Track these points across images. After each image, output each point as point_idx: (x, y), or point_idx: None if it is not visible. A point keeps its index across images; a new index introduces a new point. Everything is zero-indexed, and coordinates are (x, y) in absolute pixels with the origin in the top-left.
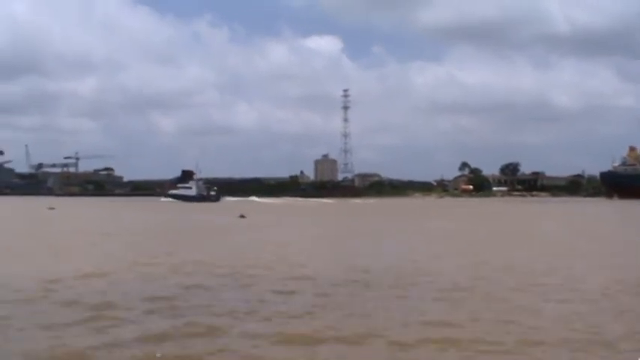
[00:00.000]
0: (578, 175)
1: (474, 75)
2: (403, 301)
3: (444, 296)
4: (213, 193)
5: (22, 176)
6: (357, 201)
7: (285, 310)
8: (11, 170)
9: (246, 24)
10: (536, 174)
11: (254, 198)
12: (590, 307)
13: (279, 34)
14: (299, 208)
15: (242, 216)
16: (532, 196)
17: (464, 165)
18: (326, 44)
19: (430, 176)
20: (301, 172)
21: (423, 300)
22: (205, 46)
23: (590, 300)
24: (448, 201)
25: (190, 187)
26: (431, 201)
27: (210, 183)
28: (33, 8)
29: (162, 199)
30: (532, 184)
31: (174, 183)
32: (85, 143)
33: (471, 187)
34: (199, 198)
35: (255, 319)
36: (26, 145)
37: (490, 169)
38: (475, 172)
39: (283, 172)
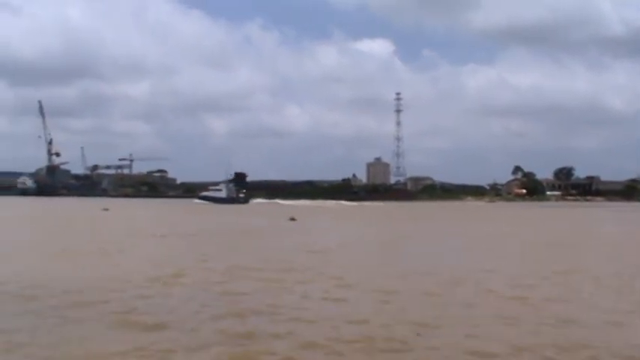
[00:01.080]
0: (634, 180)
1: (527, 77)
2: None
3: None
4: (242, 195)
5: (77, 177)
6: (409, 204)
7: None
8: (67, 172)
9: (297, 27)
10: (590, 178)
11: (278, 200)
12: None
13: (329, 37)
14: (341, 211)
15: (292, 219)
16: (586, 200)
17: (517, 169)
18: (377, 47)
19: (483, 180)
20: (354, 175)
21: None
22: (256, 49)
23: None
24: (502, 205)
25: (221, 190)
26: (485, 205)
27: (261, 186)
28: (87, 13)
29: (195, 200)
30: (586, 189)
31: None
32: (139, 145)
33: (524, 191)
34: (229, 200)
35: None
36: (82, 147)
37: (543, 173)
38: (528, 176)
39: (336, 175)
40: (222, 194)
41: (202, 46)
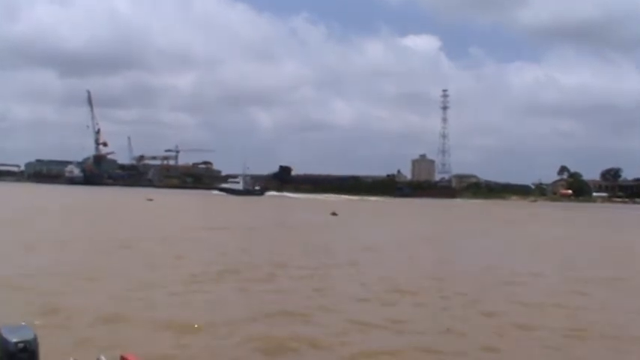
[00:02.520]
0: None
1: (574, 76)
2: None
3: None
4: (257, 188)
5: (123, 167)
6: (453, 202)
7: None
8: (114, 161)
9: (343, 21)
10: (638, 180)
11: (286, 193)
12: None
13: (376, 32)
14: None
15: (333, 213)
16: (634, 203)
17: (563, 169)
18: (424, 43)
19: (528, 179)
20: (399, 172)
21: None
22: (302, 43)
23: None
24: (548, 205)
25: (238, 182)
26: (529, 204)
27: (306, 180)
28: (134, 4)
29: (214, 191)
30: (635, 191)
31: (272, 178)
32: (184, 137)
33: (570, 191)
34: (245, 192)
35: None
36: (128, 137)
37: (590, 173)
38: (575, 176)
39: (381, 171)
40: (239, 186)
41: (248, 38)
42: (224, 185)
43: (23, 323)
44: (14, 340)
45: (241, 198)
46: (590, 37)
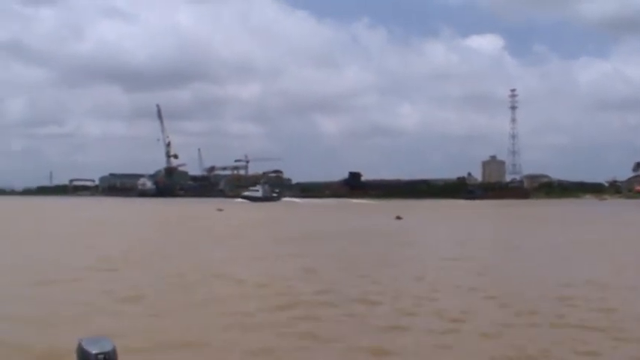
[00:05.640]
0: None
1: None
2: None
3: None
4: (275, 194)
5: (195, 179)
6: (525, 203)
7: None
8: (185, 173)
9: (404, 25)
10: None
11: (292, 199)
12: None
13: (437, 34)
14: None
15: (398, 217)
16: None
17: (638, 165)
18: (487, 43)
19: (601, 177)
20: (469, 174)
21: None
22: (364, 48)
23: None
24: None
25: (258, 190)
26: (603, 203)
27: (376, 185)
28: (195, 18)
29: (237, 199)
30: None
31: (342, 185)
32: (253, 147)
33: None
34: (264, 199)
35: None
36: (199, 149)
37: None
38: None
39: (452, 174)
40: (259, 194)
41: (309, 46)
42: (246, 193)
43: (104, 335)
44: (94, 351)
45: (268, 204)
46: None
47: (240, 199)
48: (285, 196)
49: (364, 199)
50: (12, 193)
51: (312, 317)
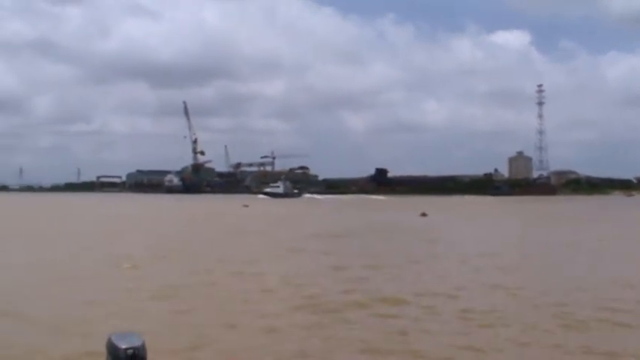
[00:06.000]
0: None
1: None
2: None
3: None
4: (295, 191)
5: (221, 175)
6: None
7: None
8: (212, 170)
9: (430, 21)
10: None
11: (313, 195)
12: None
13: (463, 30)
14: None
15: (423, 214)
16: None
17: None
18: (513, 38)
19: (630, 173)
20: (496, 170)
21: None
22: (390, 44)
23: None
24: None
25: (279, 187)
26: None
27: (402, 181)
28: (221, 15)
29: (260, 196)
30: None
31: (369, 181)
32: (279, 143)
33: None
34: (285, 195)
35: None
36: (225, 146)
37: None
38: None
39: (478, 170)
40: (280, 190)
41: (335, 42)
42: (267, 190)
43: (133, 331)
44: (124, 346)
45: (289, 200)
46: None
47: (261, 196)
48: (308, 193)
49: (382, 195)
50: (40, 189)
51: (339, 319)
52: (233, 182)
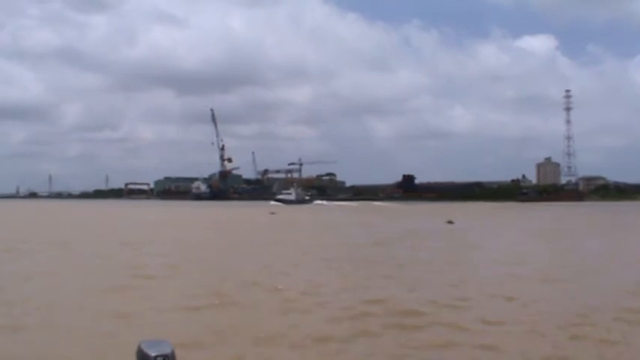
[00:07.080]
0: None
1: None
2: None
3: None
4: (307, 197)
5: (249, 182)
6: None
7: None
8: (239, 176)
9: (455, 26)
10: None
11: (322, 202)
12: None
13: (488, 35)
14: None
15: (450, 222)
16: None
17: None
18: (539, 43)
19: None
20: (523, 176)
21: None
22: (416, 50)
23: None
24: None
25: (291, 194)
26: None
27: (430, 188)
28: (247, 22)
29: (272, 202)
30: None
31: (396, 188)
32: (306, 149)
33: None
34: (296, 201)
35: None
36: (253, 153)
37: None
38: None
39: (505, 176)
40: (292, 197)
41: (361, 49)
42: (280, 196)
43: (162, 339)
44: (154, 354)
45: (300, 206)
46: None
47: (273, 202)
48: (333, 200)
49: (384, 202)
50: (69, 196)
51: (362, 332)
52: (260, 189)
